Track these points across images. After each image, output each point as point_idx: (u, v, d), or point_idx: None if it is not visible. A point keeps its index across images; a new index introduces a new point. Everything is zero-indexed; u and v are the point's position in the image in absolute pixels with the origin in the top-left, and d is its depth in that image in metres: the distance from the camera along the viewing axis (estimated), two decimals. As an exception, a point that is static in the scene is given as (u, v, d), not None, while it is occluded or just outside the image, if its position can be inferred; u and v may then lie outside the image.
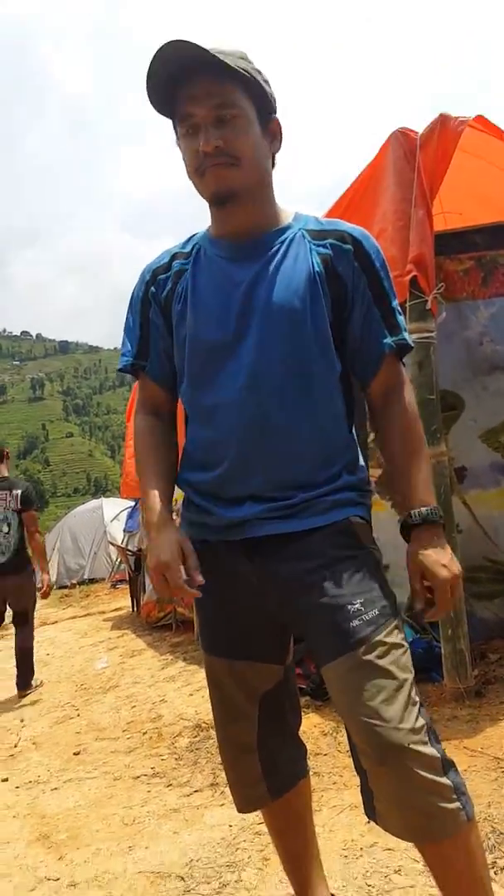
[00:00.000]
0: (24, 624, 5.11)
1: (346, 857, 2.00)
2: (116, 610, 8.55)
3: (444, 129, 3.18)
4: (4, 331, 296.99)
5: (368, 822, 2.16)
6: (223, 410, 1.34)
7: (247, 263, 1.34)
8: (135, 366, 1.49)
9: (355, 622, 1.22)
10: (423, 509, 1.30)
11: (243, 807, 1.55)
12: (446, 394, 3.63)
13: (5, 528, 4.94)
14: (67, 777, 3.14)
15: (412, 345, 1.41)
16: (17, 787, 3.12)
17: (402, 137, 3.32)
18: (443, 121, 3.17)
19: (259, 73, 1.29)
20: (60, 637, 7.28)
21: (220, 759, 2.90)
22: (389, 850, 1.99)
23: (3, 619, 5.11)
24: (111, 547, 12.44)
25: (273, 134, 1.34)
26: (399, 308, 1.39)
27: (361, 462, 1.42)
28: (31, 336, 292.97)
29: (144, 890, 2.04)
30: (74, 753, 3.45)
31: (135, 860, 2.23)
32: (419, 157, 3.21)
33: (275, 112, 1.34)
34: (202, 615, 1.50)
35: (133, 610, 7.97)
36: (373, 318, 1.35)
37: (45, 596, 5.19)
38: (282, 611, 1.37)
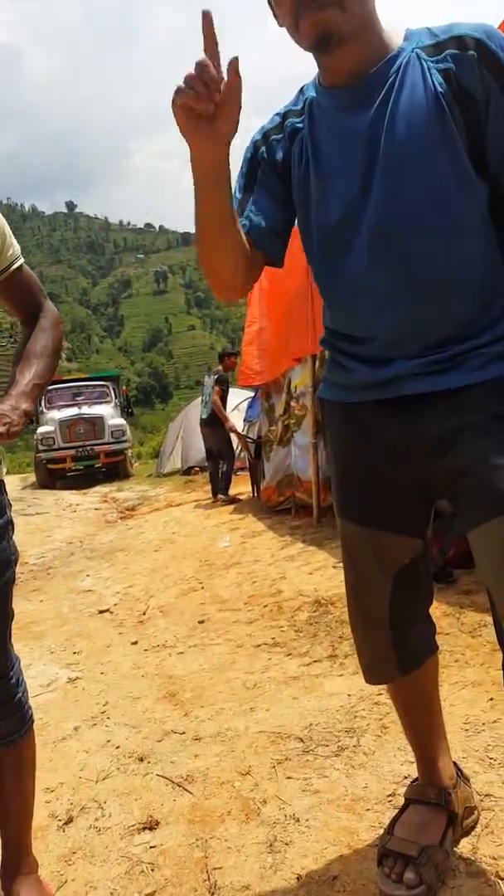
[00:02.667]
0: (219, 457, 8.40)
1: (467, 730, 1.97)
2: (237, 495, 8.77)
3: None
4: (129, 223, 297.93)
5: (491, 700, 2.12)
6: (360, 274, 1.23)
7: (362, 108, 1.19)
8: None
9: None
10: None
11: (371, 679, 1.53)
12: None
13: (206, 398, 8.34)
14: (192, 643, 3.29)
15: None
16: (146, 650, 3.32)
17: None
18: None
19: None
20: (185, 517, 7.58)
21: (339, 633, 2.96)
22: (514, 727, 1.93)
23: (213, 457, 8.47)
24: (232, 436, 12.69)
25: None
26: None
27: None
28: (154, 228, 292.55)
29: (265, 748, 2.11)
30: (199, 622, 3.61)
31: (256, 720, 2.31)
32: None
33: None
34: (339, 478, 1.43)
35: (253, 495, 8.15)
36: None
37: (230, 431, 8.40)
38: (430, 473, 1.27)
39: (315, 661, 2.74)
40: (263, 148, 1.33)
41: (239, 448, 11.18)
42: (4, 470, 1.47)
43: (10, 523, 1.46)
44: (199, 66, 0.98)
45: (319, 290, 1.39)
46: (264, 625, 3.36)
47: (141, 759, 2.17)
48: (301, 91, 1.33)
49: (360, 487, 1.39)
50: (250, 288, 1.42)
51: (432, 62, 1.15)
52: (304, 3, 1.11)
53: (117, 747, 2.28)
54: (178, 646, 3.29)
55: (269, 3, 1.20)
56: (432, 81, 1.14)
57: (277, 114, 1.34)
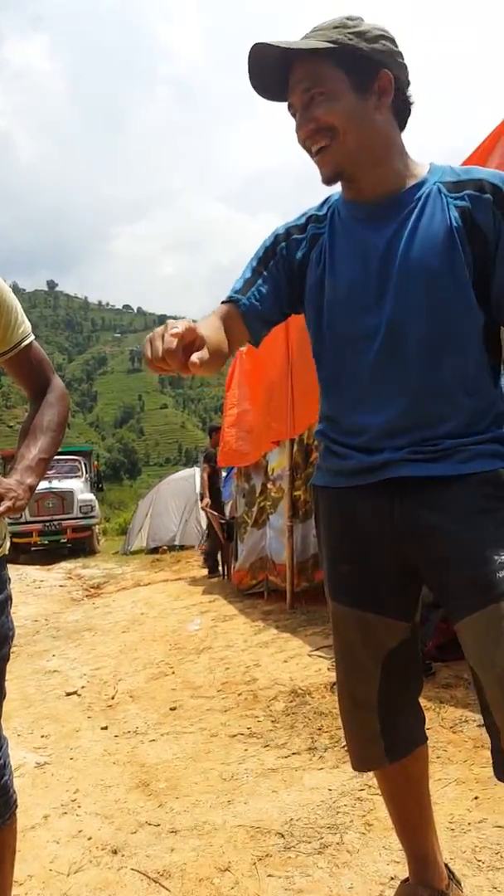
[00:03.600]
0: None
1: (452, 830, 1.94)
2: (207, 576, 8.67)
3: None
4: (108, 304, 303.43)
5: (476, 798, 2.10)
6: (365, 374, 1.33)
7: (382, 225, 1.32)
8: (232, 298, 1.40)
9: (502, 573, 1.18)
10: None
11: (358, 765, 1.52)
12: None
13: (198, 475, 8.91)
14: (165, 730, 3.20)
15: None
16: (117, 736, 3.21)
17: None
18: None
19: (357, 35, 1.25)
20: (154, 598, 7.46)
21: (317, 724, 2.92)
22: (500, 827, 1.91)
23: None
24: (202, 514, 12.63)
25: (382, 90, 1.28)
26: None
27: None
28: (132, 309, 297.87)
29: (244, 843, 2.04)
30: (171, 708, 3.52)
31: (234, 814, 2.24)
32: None
33: (381, 67, 1.27)
34: (330, 561, 1.47)
35: (222, 577, 8.07)
36: None
37: (203, 510, 8.69)
38: (417, 559, 1.33)
39: (294, 754, 2.68)
40: (284, 244, 1.44)
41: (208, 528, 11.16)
42: (8, 545, 1.47)
43: (10, 598, 1.46)
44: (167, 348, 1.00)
45: (323, 383, 1.46)
46: (239, 714, 3.28)
47: (114, 852, 2.08)
48: (327, 199, 1.46)
49: (350, 570, 1.43)
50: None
51: (451, 198, 1.29)
52: (310, 141, 1.30)
53: (89, 838, 2.19)
54: (150, 733, 3.20)
55: None
56: (449, 215, 1.27)
57: (304, 214, 1.47)
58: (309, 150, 1.32)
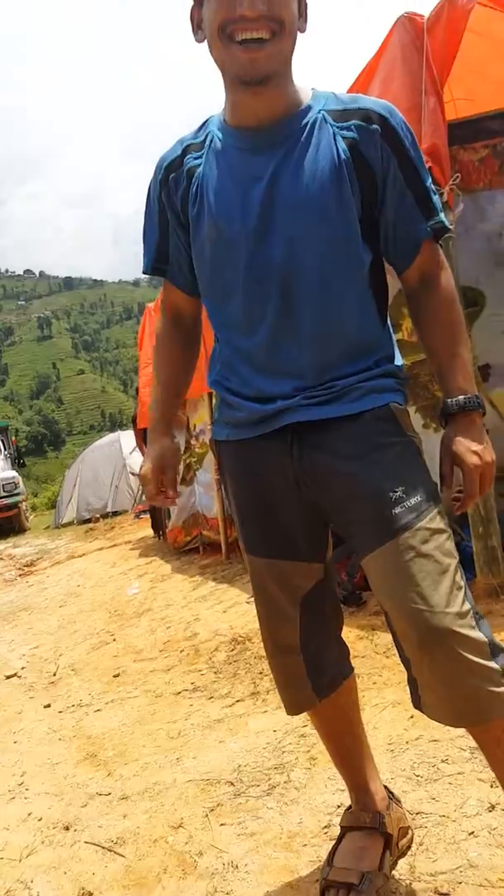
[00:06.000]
0: None
1: (392, 751, 2.01)
2: (142, 539, 8.64)
3: (453, 9, 2.94)
4: (7, 271, 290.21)
5: (412, 717, 2.18)
6: (250, 311, 1.30)
7: (266, 154, 1.25)
8: (156, 269, 1.47)
9: (397, 509, 1.20)
10: (461, 397, 1.26)
11: (291, 709, 1.53)
12: (467, 290, 3.48)
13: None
14: (109, 699, 3.19)
15: (450, 227, 1.31)
16: (61, 712, 3.18)
17: (408, 23, 3.10)
18: (450, 0, 2.92)
19: None
20: (90, 568, 7.39)
21: (259, 668, 2.96)
22: (435, 741, 1.99)
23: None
24: (132, 478, 12.52)
25: (302, 15, 1.25)
26: (434, 188, 1.30)
27: (398, 358, 1.37)
28: (34, 274, 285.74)
29: (195, 797, 2.07)
30: (114, 676, 3.51)
31: (183, 770, 2.26)
32: (427, 41, 2.99)
33: None
34: (240, 515, 1.46)
35: (157, 537, 8.05)
36: (406, 203, 1.26)
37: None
38: (320, 502, 1.33)
39: (238, 701, 2.72)
40: (167, 189, 1.36)
41: (139, 490, 11.06)
42: None
43: None
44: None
45: (215, 328, 1.43)
46: (182, 670, 3.30)
47: (66, 828, 2.07)
48: (205, 123, 1.37)
49: (258, 521, 1.42)
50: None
51: (338, 128, 1.23)
52: (246, 23, 1.14)
53: (39, 819, 2.17)
54: (95, 703, 3.18)
55: (192, 16, 1.25)
56: (336, 147, 1.22)
57: (179, 142, 1.37)
58: (232, 35, 1.17)
